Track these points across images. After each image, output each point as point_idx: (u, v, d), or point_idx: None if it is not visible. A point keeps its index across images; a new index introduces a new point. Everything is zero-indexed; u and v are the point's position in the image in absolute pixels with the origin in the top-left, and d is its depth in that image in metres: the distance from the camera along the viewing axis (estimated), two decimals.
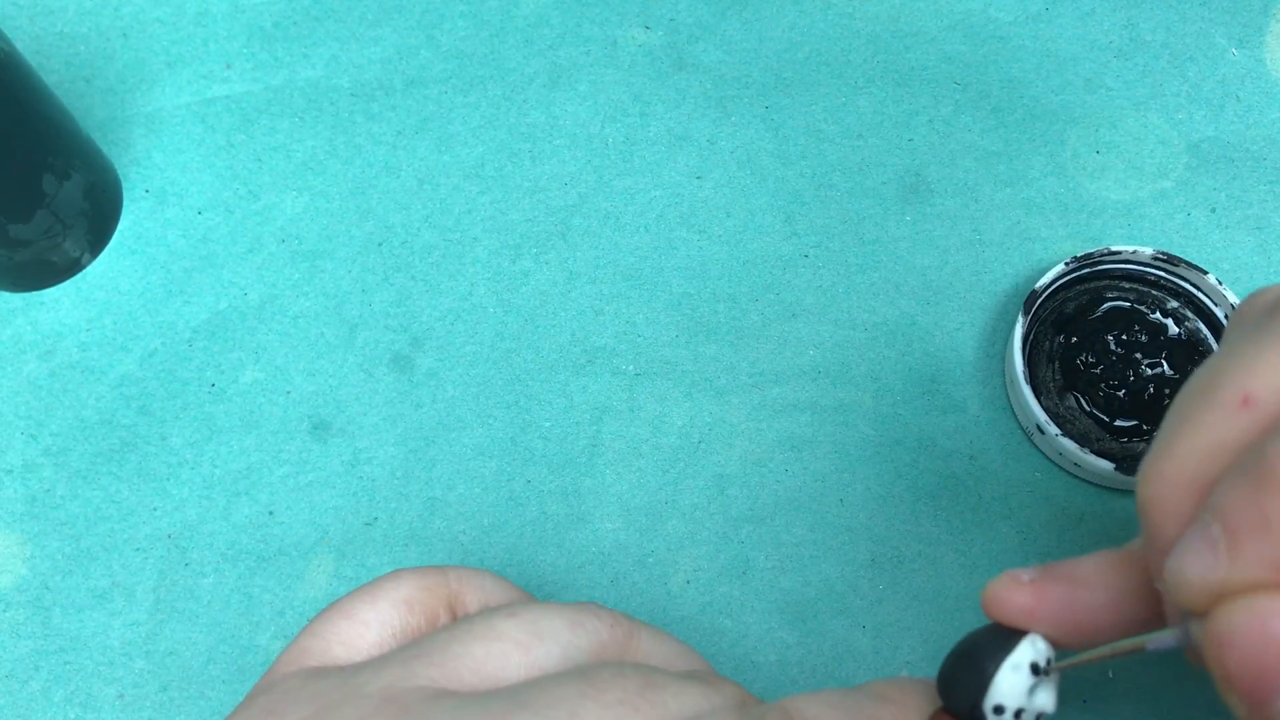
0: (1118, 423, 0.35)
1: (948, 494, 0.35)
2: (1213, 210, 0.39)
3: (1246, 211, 0.39)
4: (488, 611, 0.23)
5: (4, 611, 0.34)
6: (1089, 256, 0.36)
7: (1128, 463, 0.33)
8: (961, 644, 0.24)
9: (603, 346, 0.37)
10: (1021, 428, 0.36)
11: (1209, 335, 0.36)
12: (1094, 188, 0.39)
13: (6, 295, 0.39)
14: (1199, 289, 0.36)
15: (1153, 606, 0.23)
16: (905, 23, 0.42)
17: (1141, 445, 0.35)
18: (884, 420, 0.36)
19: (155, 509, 0.36)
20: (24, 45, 0.42)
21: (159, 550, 0.35)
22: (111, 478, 0.36)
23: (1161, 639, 0.20)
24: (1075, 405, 0.35)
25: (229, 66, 0.42)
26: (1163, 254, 0.36)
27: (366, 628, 0.24)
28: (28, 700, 0.33)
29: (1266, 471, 0.17)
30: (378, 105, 0.41)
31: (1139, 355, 0.36)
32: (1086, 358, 0.36)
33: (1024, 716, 0.22)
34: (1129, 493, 0.35)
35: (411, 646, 0.22)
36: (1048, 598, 0.23)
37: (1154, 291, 0.37)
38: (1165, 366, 0.35)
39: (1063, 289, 0.37)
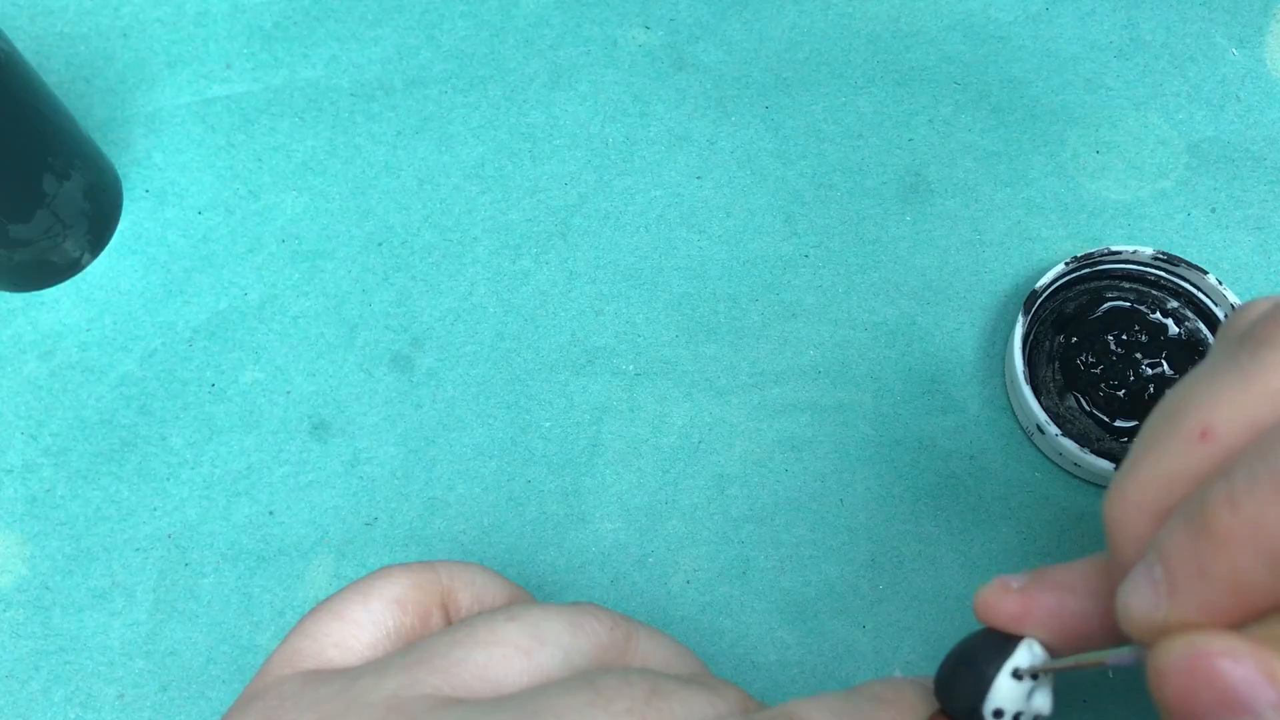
0: (1118, 423, 0.35)
1: (948, 494, 0.35)
2: (1213, 210, 0.39)
3: (1246, 211, 0.39)
4: (488, 614, 0.23)
5: (4, 611, 0.34)
6: (1089, 256, 0.36)
7: None
8: (959, 648, 0.24)
9: (603, 346, 0.37)
10: (1021, 428, 0.36)
11: (1209, 335, 0.36)
12: (1094, 188, 0.39)
13: (6, 295, 0.39)
14: (1199, 289, 0.36)
15: None
16: (905, 23, 0.42)
17: None
18: (884, 420, 0.36)
19: (155, 509, 0.36)
20: (24, 45, 0.42)
21: (159, 550, 0.35)
22: (111, 478, 0.36)
23: (1121, 655, 0.21)
24: (1075, 405, 0.35)
25: (229, 66, 0.42)
26: (1163, 254, 0.36)
27: (360, 629, 0.24)
28: (28, 700, 0.33)
29: (1204, 524, 0.18)
30: (378, 105, 0.41)
31: (1139, 355, 0.36)
32: (1086, 358, 0.36)
33: (1022, 719, 0.23)
34: None
35: (412, 652, 0.22)
36: (1037, 605, 0.23)
37: (1154, 291, 0.37)
38: (1165, 366, 0.35)
39: (1063, 289, 0.37)
